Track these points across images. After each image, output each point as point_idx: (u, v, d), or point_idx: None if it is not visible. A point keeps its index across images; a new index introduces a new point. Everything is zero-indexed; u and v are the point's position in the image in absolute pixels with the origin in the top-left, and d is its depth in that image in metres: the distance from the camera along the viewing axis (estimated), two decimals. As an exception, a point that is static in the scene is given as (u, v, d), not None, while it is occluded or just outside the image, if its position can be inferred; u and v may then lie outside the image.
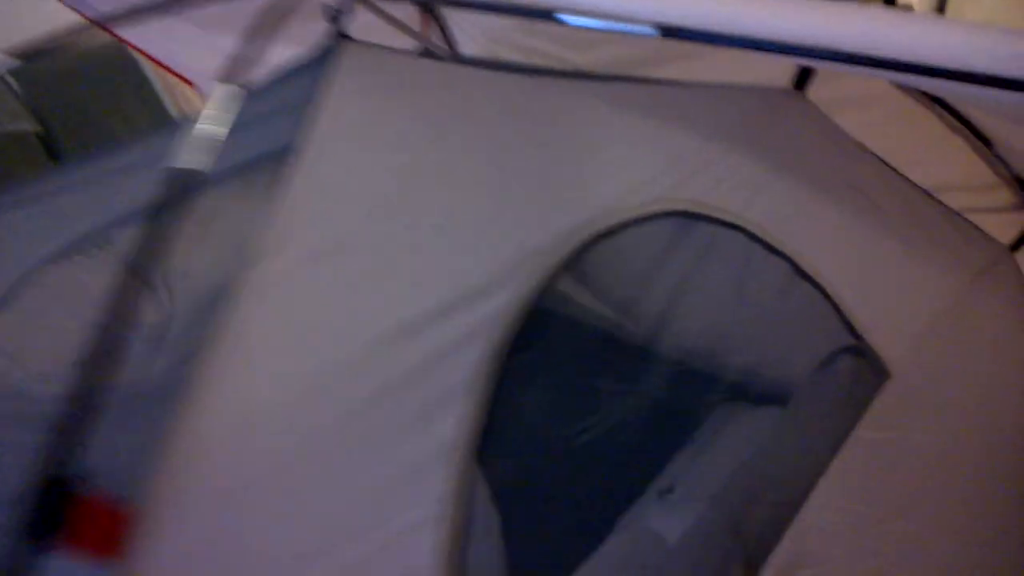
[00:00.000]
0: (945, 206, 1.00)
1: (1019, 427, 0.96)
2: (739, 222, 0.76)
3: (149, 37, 1.24)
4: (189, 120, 0.65)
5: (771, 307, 0.82)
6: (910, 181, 0.96)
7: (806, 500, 0.74)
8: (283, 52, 0.67)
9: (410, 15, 1.20)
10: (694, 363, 0.98)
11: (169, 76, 1.72)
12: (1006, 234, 1.01)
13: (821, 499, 0.76)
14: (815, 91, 0.87)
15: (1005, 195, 0.98)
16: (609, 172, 0.70)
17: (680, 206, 0.73)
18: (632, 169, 0.71)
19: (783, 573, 0.67)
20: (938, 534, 0.85)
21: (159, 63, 1.45)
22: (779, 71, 0.85)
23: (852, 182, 0.90)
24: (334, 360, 0.51)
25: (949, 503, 0.86)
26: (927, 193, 0.99)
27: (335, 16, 0.66)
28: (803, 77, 0.85)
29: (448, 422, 0.51)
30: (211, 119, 0.58)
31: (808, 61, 0.71)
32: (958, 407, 0.90)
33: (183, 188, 0.55)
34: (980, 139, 0.91)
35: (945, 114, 0.89)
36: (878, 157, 0.94)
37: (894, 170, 0.95)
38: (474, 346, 0.56)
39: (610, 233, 0.67)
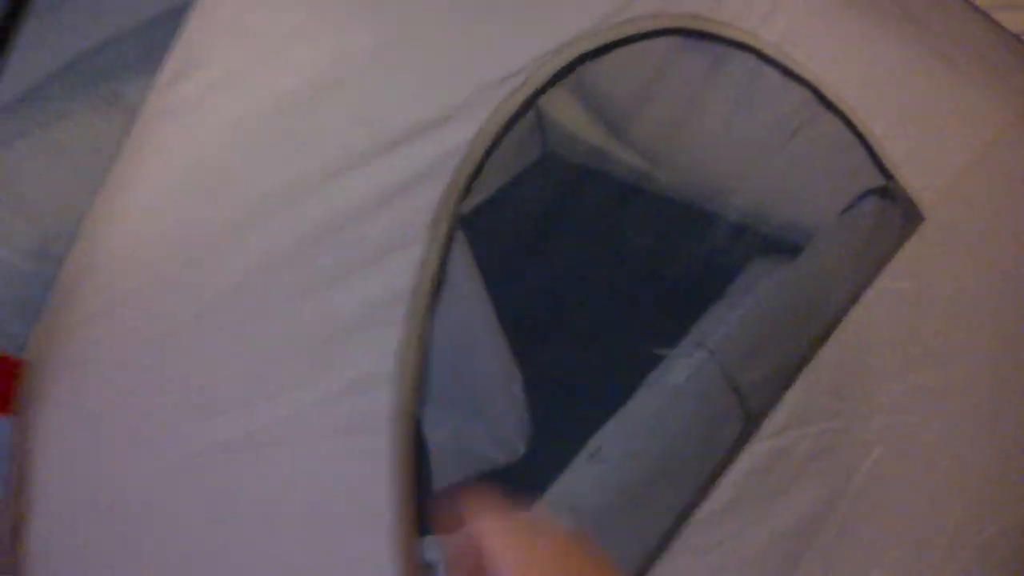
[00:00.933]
0: (999, 25, 0.86)
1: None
2: (750, 41, 0.64)
3: None
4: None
5: (789, 143, 0.71)
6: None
7: (817, 353, 0.67)
8: None
9: None
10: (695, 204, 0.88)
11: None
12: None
13: (833, 353, 0.68)
14: None
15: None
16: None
17: (679, 23, 0.61)
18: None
19: (784, 429, 0.61)
20: (965, 387, 0.77)
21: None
22: None
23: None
24: (263, 195, 0.43)
25: (978, 357, 0.78)
26: (978, 9, 0.85)
27: None
28: None
29: (399, 267, 0.44)
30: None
31: None
32: (996, 255, 0.80)
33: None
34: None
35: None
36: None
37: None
38: (427, 185, 0.47)
39: (594, 55, 0.56)
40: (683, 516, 0.56)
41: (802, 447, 0.63)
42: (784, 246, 0.90)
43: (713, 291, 0.89)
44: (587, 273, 1.09)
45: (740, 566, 0.60)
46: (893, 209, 0.72)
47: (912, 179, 0.73)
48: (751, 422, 0.60)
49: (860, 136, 0.70)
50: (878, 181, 0.72)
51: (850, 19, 0.74)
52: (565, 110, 1.48)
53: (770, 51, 0.65)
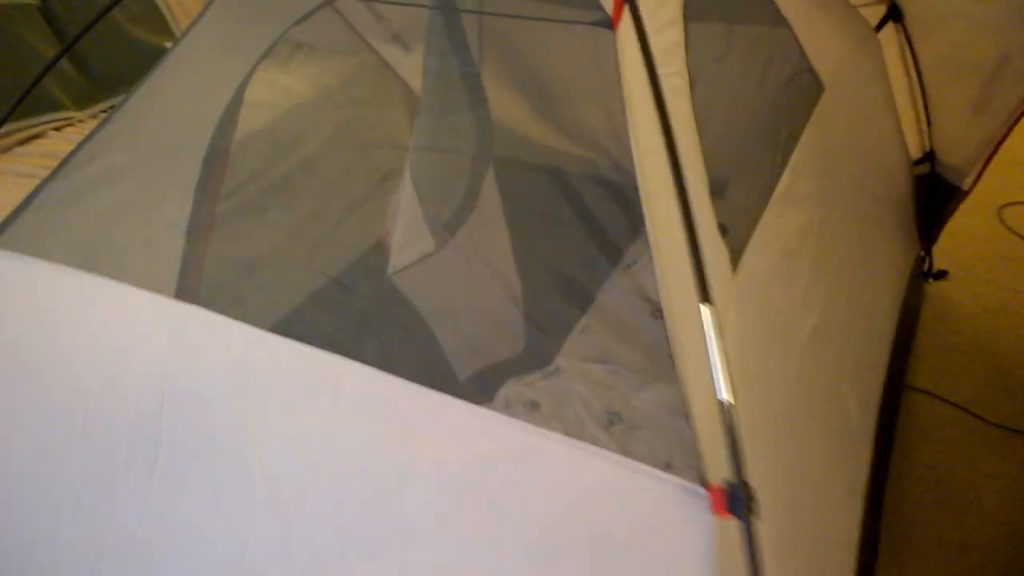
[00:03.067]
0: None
1: (887, 131, 1.53)
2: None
3: None
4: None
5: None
6: None
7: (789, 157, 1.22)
8: None
9: None
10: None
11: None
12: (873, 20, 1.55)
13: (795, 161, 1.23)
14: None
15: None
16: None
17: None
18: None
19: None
20: (848, 186, 1.38)
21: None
22: None
23: None
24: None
25: (854, 170, 1.39)
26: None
27: None
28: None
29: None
30: None
31: None
32: (858, 114, 1.43)
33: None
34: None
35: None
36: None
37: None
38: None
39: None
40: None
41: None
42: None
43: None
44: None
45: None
46: (812, 81, 1.31)
47: (818, 65, 1.33)
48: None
49: (797, 39, 1.29)
50: (805, 65, 1.31)
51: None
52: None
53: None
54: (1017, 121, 1.47)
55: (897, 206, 1.79)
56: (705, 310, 0.68)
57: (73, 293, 0.91)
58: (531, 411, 1.51)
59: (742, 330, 0.88)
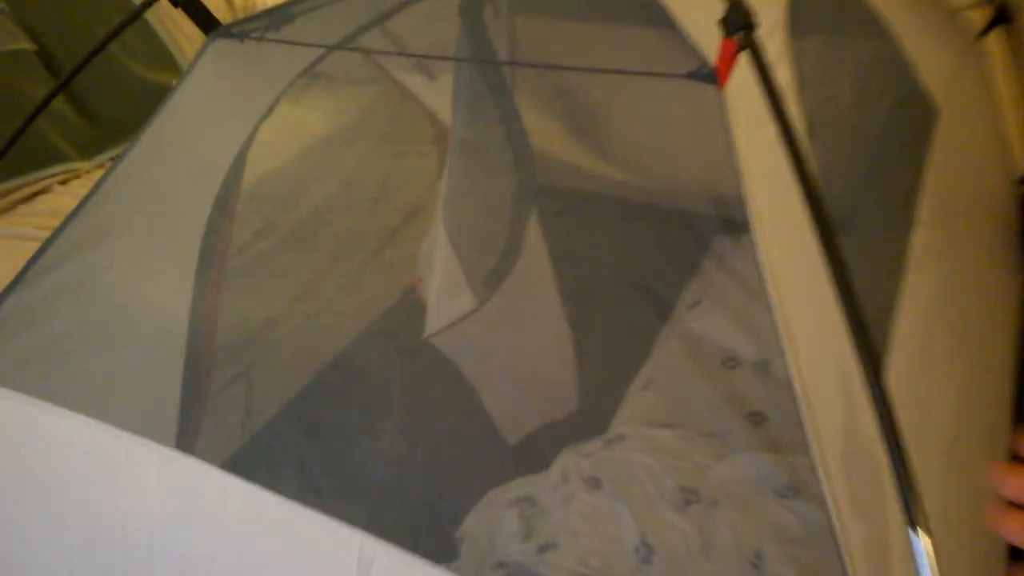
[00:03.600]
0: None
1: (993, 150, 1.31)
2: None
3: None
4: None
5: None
6: None
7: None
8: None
9: None
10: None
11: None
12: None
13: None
14: None
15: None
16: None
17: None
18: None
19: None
20: (972, 223, 1.16)
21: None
22: None
23: None
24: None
25: (975, 203, 1.18)
26: None
27: None
28: None
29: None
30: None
31: None
32: (970, 139, 1.20)
33: None
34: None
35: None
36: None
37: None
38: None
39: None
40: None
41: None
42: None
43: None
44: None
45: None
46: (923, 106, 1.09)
47: (931, 85, 1.11)
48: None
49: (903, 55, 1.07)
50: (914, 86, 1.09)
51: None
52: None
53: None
54: None
55: (1006, 232, 1.56)
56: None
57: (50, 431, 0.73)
58: (592, 490, 1.31)
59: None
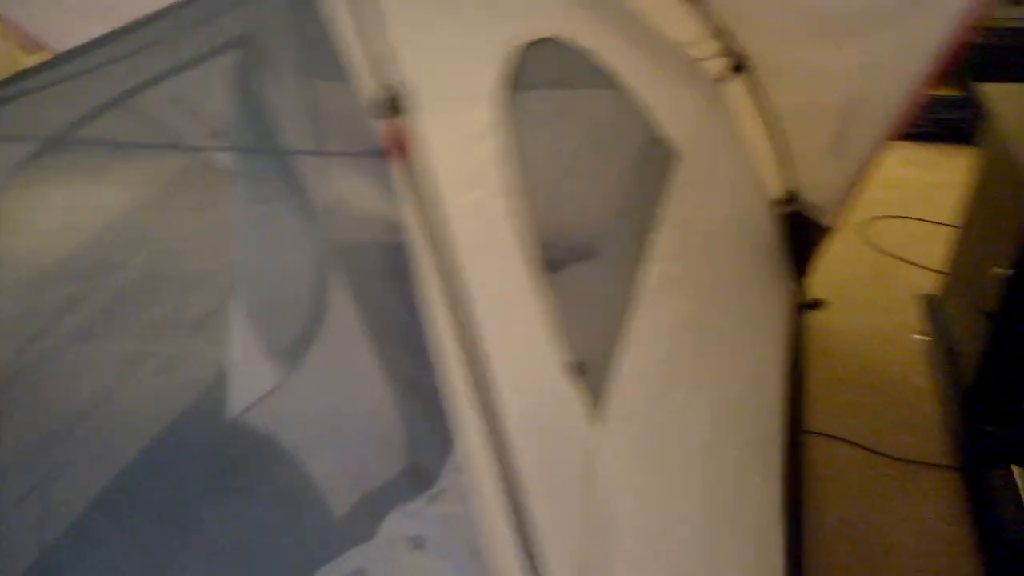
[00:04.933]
0: (686, 53, 1.44)
1: (747, 182, 1.45)
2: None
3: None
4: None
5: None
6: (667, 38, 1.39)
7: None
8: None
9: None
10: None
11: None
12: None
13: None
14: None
15: (714, 46, 1.44)
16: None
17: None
18: None
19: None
20: (721, 252, 1.28)
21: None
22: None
23: (639, 35, 1.28)
24: None
25: (724, 231, 1.29)
26: (678, 45, 1.42)
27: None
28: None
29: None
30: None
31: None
32: (718, 175, 1.33)
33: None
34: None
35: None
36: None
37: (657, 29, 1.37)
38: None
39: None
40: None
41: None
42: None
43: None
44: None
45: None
46: (666, 151, 1.20)
47: (672, 133, 1.22)
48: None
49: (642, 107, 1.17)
50: (656, 134, 1.20)
51: (627, 45, 1.22)
52: None
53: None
54: (873, 162, 1.43)
55: (768, 252, 1.74)
56: None
57: None
58: (415, 550, 1.29)
59: (618, 480, 0.72)
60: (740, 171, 1.57)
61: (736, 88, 1.53)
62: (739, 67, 1.45)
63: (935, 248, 2.07)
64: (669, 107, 1.22)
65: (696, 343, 1.01)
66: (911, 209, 2.46)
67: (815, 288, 2.16)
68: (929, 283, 2.05)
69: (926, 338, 1.92)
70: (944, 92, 3.00)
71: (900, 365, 1.91)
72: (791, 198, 1.80)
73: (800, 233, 1.87)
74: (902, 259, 2.26)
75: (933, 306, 1.95)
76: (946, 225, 2.19)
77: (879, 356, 1.94)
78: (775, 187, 1.77)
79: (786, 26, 1.27)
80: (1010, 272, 1.40)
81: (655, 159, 1.17)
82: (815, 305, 2.12)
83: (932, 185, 2.57)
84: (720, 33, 1.40)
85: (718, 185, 1.33)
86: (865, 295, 2.16)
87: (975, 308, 1.55)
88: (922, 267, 2.20)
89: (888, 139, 1.34)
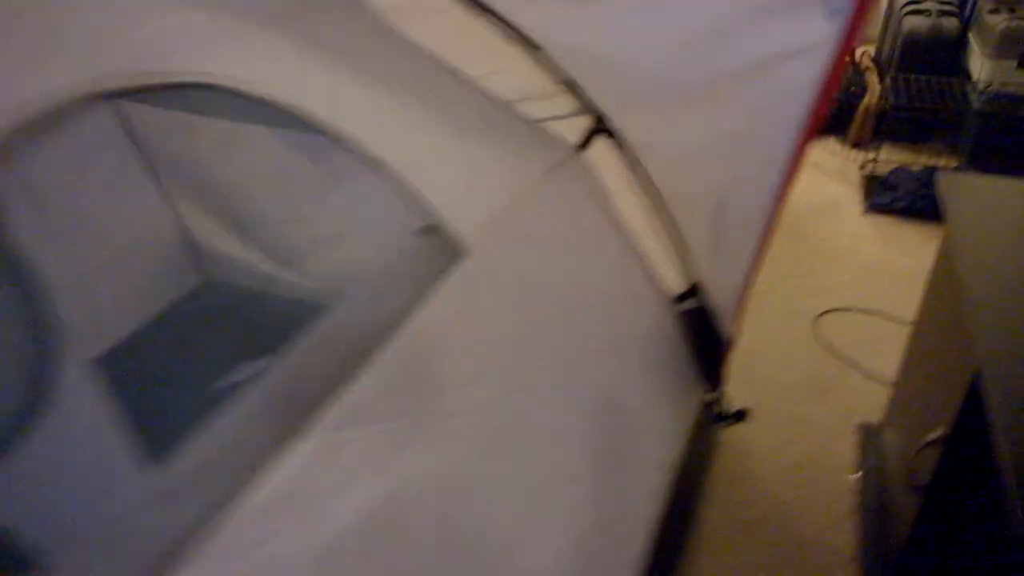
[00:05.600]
0: (520, 115, 1.10)
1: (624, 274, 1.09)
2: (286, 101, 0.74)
3: None
4: None
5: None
6: (486, 93, 1.05)
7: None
8: None
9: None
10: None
11: None
12: (573, 135, 1.13)
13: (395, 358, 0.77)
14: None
15: (567, 102, 1.10)
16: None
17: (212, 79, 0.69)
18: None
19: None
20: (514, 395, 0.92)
21: None
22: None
23: (422, 87, 0.94)
24: None
25: (525, 365, 0.94)
26: (506, 103, 1.08)
27: None
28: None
29: None
30: None
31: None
32: (534, 279, 0.98)
33: None
34: (531, 45, 1.01)
35: (497, 22, 0.97)
36: (452, 69, 1.00)
37: (471, 81, 1.03)
38: None
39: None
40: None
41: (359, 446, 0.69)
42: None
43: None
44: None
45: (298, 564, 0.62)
46: (439, 244, 0.86)
47: (456, 221, 0.88)
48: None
49: (403, 186, 0.84)
50: (425, 221, 0.86)
51: (392, 102, 0.89)
52: (221, 237, 1.57)
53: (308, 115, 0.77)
54: (753, 272, 1.07)
55: (664, 357, 1.37)
56: None
57: None
58: None
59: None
60: (614, 262, 1.23)
61: (611, 159, 1.18)
62: (601, 130, 1.11)
63: (897, 353, 1.70)
64: (449, 184, 0.89)
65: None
66: (878, 300, 2.07)
67: (745, 393, 1.78)
68: (881, 400, 1.66)
69: (859, 478, 1.54)
70: (943, 162, 2.63)
71: (825, 513, 1.52)
72: (692, 292, 1.44)
73: (710, 333, 1.51)
74: (855, 365, 1.87)
75: (870, 439, 1.56)
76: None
77: (803, 497, 1.55)
78: (674, 279, 1.42)
79: (631, 90, 0.92)
80: (947, 433, 1.02)
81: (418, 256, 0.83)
82: (736, 417, 1.75)
83: (909, 272, 2.17)
84: (573, 86, 1.06)
85: (563, 281, 0.98)
86: (803, 409, 1.77)
87: (907, 469, 1.17)
88: (875, 379, 1.80)
89: (768, 239, 0.98)
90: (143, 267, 1.66)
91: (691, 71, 0.79)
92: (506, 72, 1.01)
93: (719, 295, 1.27)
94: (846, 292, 2.12)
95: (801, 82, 0.77)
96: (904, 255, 2.27)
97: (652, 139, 0.98)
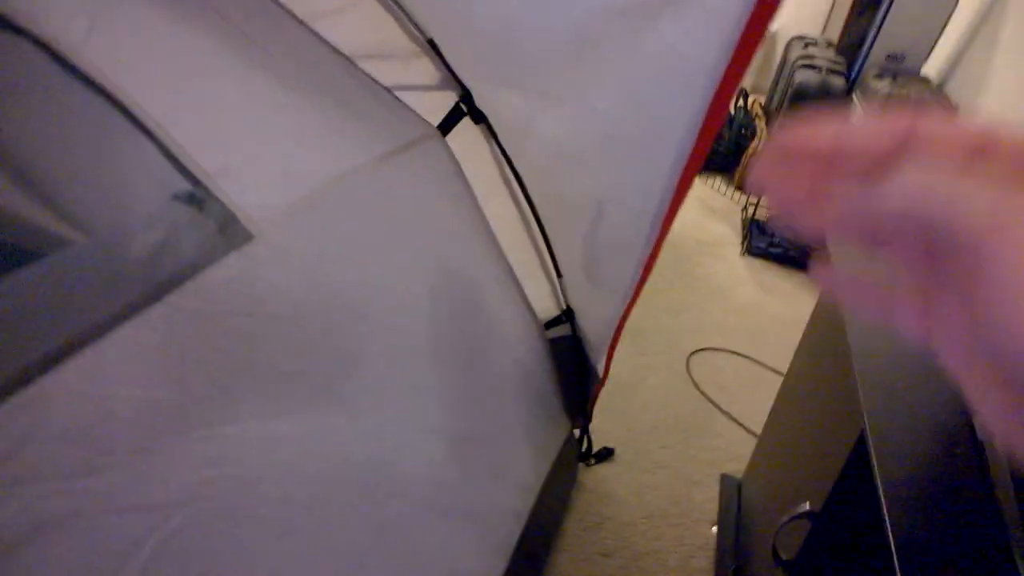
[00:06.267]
0: (392, 94, 0.88)
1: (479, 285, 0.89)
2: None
3: None
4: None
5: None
6: (364, 74, 0.83)
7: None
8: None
9: None
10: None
11: None
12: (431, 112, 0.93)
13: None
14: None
15: (426, 68, 0.90)
16: None
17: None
18: None
19: None
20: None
21: None
22: None
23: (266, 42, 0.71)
24: None
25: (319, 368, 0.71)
26: (380, 84, 0.86)
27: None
28: None
29: None
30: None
31: None
32: (328, 272, 0.76)
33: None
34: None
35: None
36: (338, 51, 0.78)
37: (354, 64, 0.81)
38: None
39: None
40: None
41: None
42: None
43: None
44: None
45: None
46: (204, 222, 0.62)
47: (244, 201, 0.65)
48: None
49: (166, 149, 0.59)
50: (187, 189, 0.62)
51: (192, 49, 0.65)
52: None
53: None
54: (631, 303, 0.90)
55: (520, 380, 1.19)
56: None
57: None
58: None
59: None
60: (474, 272, 1.03)
61: (477, 148, 0.99)
62: (467, 110, 0.91)
63: (765, 401, 1.62)
64: (264, 163, 0.65)
65: None
66: (750, 344, 2.02)
67: (610, 428, 1.64)
68: (746, 450, 1.57)
69: (718, 534, 1.43)
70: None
71: (681, 569, 1.39)
72: (564, 317, 1.27)
73: (581, 364, 1.35)
74: (723, 410, 1.79)
75: (731, 492, 1.46)
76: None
77: (661, 550, 1.42)
78: (543, 301, 1.24)
79: (496, 64, 0.73)
80: (819, 508, 0.90)
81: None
82: (600, 456, 1.61)
83: (782, 319, 2.15)
84: (435, 47, 0.85)
85: (326, 278, 0.76)
86: (668, 453, 1.65)
87: (771, 537, 1.04)
88: (746, 428, 1.72)
89: (648, 269, 0.82)
90: None
91: (566, 21, 0.61)
92: (353, 12, 0.79)
93: (593, 323, 1.11)
94: (719, 332, 2.06)
95: (695, 87, 0.62)
96: (778, 301, 2.26)
97: (524, 123, 0.80)
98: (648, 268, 0.80)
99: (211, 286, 0.57)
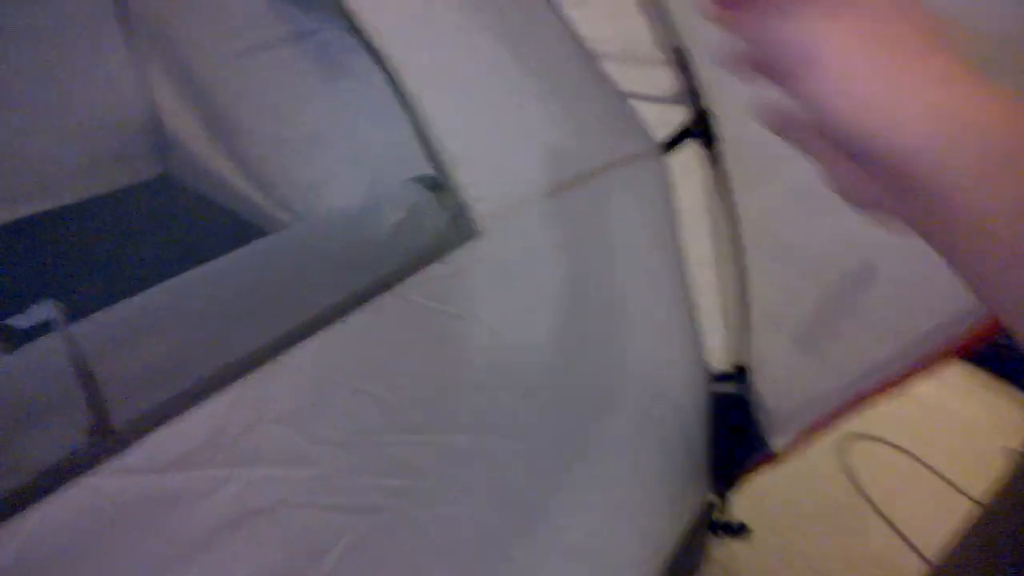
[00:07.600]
0: (627, 101, 0.82)
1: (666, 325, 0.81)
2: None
3: None
4: None
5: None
6: (606, 76, 0.78)
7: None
8: None
9: None
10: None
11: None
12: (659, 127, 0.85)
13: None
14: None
15: (665, 78, 0.82)
16: None
17: None
18: None
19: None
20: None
21: None
22: None
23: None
24: None
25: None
26: (618, 90, 0.80)
27: None
28: None
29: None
30: None
31: None
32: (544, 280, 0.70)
33: None
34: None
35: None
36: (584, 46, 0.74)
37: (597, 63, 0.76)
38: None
39: None
40: None
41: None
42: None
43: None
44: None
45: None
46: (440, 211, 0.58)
47: (478, 193, 0.61)
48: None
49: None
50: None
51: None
52: (188, 130, 1.34)
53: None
54: (871, 393, 0.76)
55: (677, 439, 1.09)
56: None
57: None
58: None
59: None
60: (659, 308, 0.95)
61: (696, 175, 0.91)
62: (699, 132, 0.83)
63: (941, 517, 1.40)
64: (499, 153, 0.61)
65: None
66: (924, 444, 1.78)
67: (744, 504, 1.49)
68: (902, 560, 1.37)
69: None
70: None
71: None
72: (737, 374, 1.16)
73: (737, 431, 1.22)
74: (881, 514, 1.58)
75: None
76: (967, 498, 1.53)
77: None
78: (719, 349, 1.13)
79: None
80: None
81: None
82: (735, 530, 1.46)
83: (975, 426, 1.89)
84: (682, 58, 0.78)
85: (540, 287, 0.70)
86: (804, 540, 1.48)
87: None
88: (905, 539, 1.51)
89: (908, 370, 0.69)
90: (103, 141, 1.41)
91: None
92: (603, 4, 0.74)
93: (784, 397, 0.99)
94: (882, 420, 1.83)
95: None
96: (957, 398, 1.99)
97: (770, 156, 0.71)
98: (935, 359, 0.66)
99: (435, 280, 0.54)
